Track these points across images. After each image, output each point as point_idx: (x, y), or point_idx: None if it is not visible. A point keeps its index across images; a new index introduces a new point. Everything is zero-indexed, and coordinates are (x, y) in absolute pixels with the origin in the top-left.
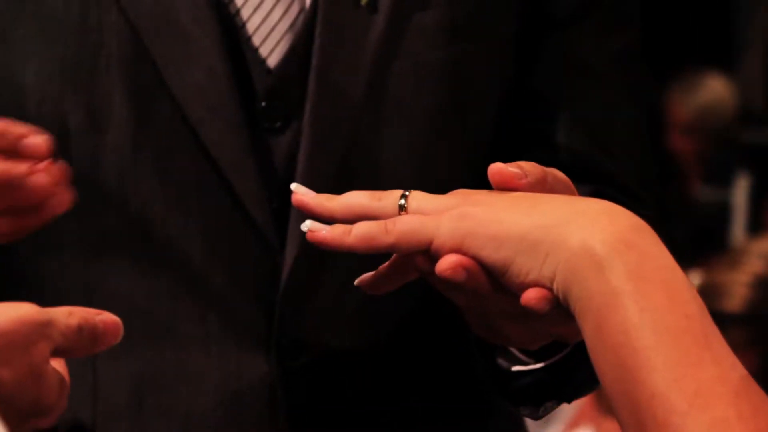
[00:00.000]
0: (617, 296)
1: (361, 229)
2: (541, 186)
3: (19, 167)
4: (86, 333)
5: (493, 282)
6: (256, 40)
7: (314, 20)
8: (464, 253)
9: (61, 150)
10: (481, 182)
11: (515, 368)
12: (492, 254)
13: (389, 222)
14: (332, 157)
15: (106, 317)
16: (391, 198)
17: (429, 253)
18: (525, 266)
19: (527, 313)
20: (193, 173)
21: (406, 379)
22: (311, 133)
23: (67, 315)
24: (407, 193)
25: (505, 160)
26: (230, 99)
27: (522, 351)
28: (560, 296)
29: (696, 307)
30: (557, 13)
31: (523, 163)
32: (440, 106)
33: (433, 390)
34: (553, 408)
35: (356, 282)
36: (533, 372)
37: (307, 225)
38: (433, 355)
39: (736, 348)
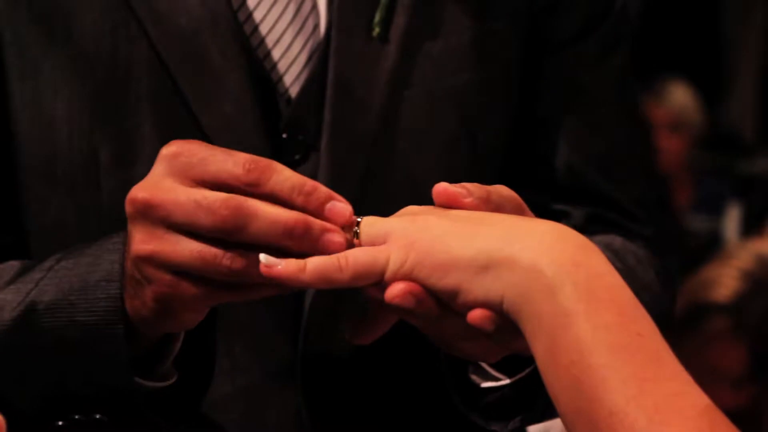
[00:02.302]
0: (569, 316)
1: (316, 265)
2: (485, 205)
3: (321, 223)
4: None
5: (442, 306)
6: (277, 73)
7: (328, 53)
8: (414, 281)
9: (91, 183)
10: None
11: (485, 385)
12: (439, 282)
13: (341, 257)
14: (349, 186)
15: None
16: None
17: (381, 284)
18: (473, 290)
19: (478, 332)
20: None
21: (419, 402)
22: (328, 163)
23: None
24: (359, 219)
25: (512, 183)
26: (257, 131)
27: (493, 366)
28: (511, 317)
29: (647, 325)
30: (556, 37)
31: (467, 184)
32: (451, 132)
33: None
34: (520, 425)
35: (347, 338)
36: (501, 388)
37: (262, 260)
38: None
39: (722, 335)
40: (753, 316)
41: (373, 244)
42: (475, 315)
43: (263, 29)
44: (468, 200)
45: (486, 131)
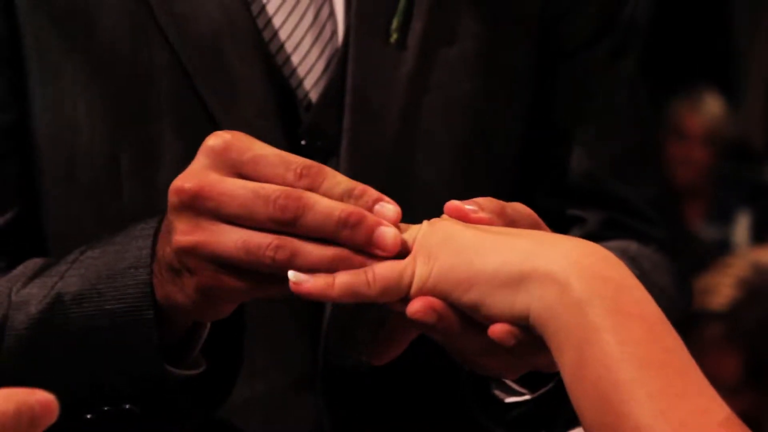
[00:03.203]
0: (597, 331)
1: (344, 281)
2: (499, 219)
3: (374, 218)
4: (24, 417)
5: (464, 321)
6: (296, 79)
7: (347, 58)
8: (438, 296)
9: (111, 187)
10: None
11: (509, 400)
12: (463, 296)
13: (369, 272)
14: None
15: (41, 397)
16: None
17: (406, 299)
18: (496, 304)
19: (499, 347)
20: None
21: (438, 410)
22: (348, 169)
23: (4, 400)
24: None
25: (527, 187)
26: (277, 138)
27: (516, 381)
28: (537, 331)
29: (674, 340)
30: (567, 43)
31: (480, 199)
32: (467, 136)
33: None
34: None
35: (365, 359)
36: (525, 403)
37: (291, 276)
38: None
39: (718, 342)
40: (748, 324)
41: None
42: (496, 330)
43: (282, 36)
44: (478, 216)
45: (500, 137)
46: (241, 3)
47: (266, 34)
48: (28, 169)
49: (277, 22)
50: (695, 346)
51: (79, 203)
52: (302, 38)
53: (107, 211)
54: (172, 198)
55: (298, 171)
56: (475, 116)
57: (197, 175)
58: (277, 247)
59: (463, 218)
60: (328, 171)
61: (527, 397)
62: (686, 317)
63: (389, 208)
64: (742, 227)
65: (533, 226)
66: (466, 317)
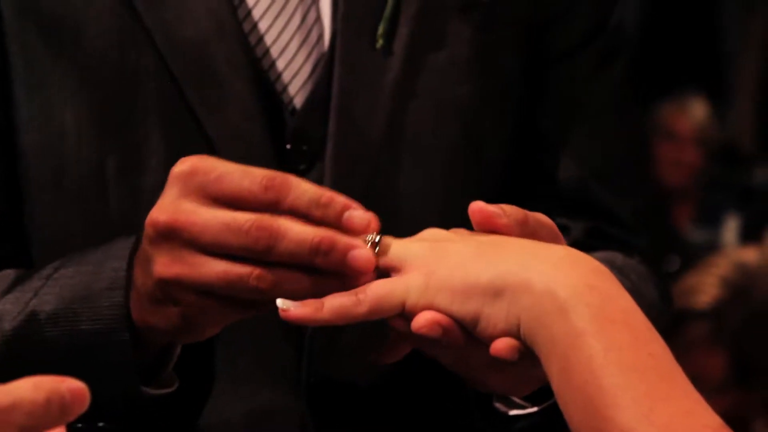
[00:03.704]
0: (582, 337)
1: (334, 302)
2: (521, 228)
3: (346, 241)
4: (54, 406)
5: (467, 335)
6: (281, 84)
7: (333, 63)
8: (436, 310)
9: (98, 193)
10: None
11: (513, 412)
12: (461, 308)
13: (360, 291)
14: (353, 197)
15: (72, 385)
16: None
17: (404, 315)
18: (493, 316)
19: (503, 362)
20: None
21: (427, 417)
22: (333, 174)
23: (33, 389)
24: (377, 238)
25: (516, 193)
26: (262, 141)
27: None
28: (527, 341)
29: (659, 346)
30: (555, 49)
31: (504, 206)
32: (456, 142)
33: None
34: None
35: (371, 360)
36: (529, 416)
37: (279, 304)
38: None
39: (702, 341)
40: (733, 323)
41: (390, 266)
42: (500, 345)
43: (268, 40)
44: (503, 221)
45: (488, 142)
46: (228, 7)
47: (252, 39)
48: (13, 175)
49: (263, 26)
50: (680, 346)
51: (65, 209)
52: (288, 42)
53: (94, 217)
54: (148, 230)
55: (264, 183)
56: (463, 122)
57: (170, 206)
58: (259, 277)
59: (487, 221)
60: (293, 181)
61: (532, 409)
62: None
63: (357, 215)
64: (730, 230)
65: (552, 238)
66: (468, 332)
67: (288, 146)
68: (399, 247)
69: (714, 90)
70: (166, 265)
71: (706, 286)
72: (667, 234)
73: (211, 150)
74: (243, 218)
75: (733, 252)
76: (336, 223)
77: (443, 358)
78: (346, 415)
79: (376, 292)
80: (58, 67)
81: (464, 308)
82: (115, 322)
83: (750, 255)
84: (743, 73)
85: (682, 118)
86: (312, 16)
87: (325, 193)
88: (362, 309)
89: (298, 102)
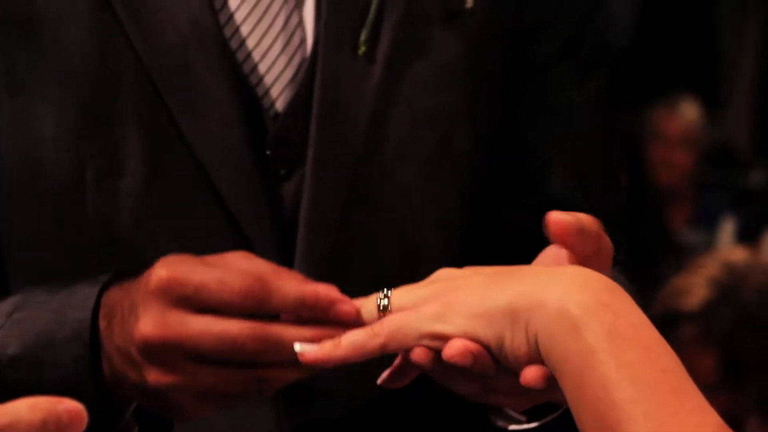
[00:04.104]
0: (594, 354)
1: (350, 339)
2: (593, 243)
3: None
4: (51, 426)
5: (495, 362)
6: (262, 89)
7: (315, 69)
8: (451, 336)
9: (76, 197)
10: (475, 221)
11: (512, 427)
12: (483, 332)
13: (375, 325)
14: (334, 203)
15: (69, 405)
16: (369, 304)
17: (426, 346)
18: (516, 339)
19: (528, 389)
20: (205, 220)
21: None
22: (313, 180)
23: (29, 410)
24: (388, 293)
25: (495, 200)
26: (242, 147)
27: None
28: (543, 358)
29: (671, 361)
30: (536, 59)
31: (582, 216)
32: (435, 150)
33: None
34: None
35: (379, 382)
36: (528, 431)
37: (297, 348)
38: (432, 408)
39: (692, 342)
40: (722, 323)
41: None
42: (529, 376)
43: (249, 44)
44: (578, 233)
45: (467, 150)
46: (209, 11)
47: (234, 43)
48: None
49: (245, 30)
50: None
51: (42, 212)
52: (270, 47)
53: (71, 221)
54: (141, 346)
55: (242, 294)
56: (444, 130)
57: (158, 320)
58: (260, 378)
59: (564, 231)
60: (272, 286)
61: (532, 425)
62: (661, 318)
63: (345, 310)
64: (726, 232)
65: (607, 254)
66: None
67: (268, 152)
68: (412, 290)
69: (709, 92)
70: (161, 375)
71: (694, 287)
72: (662, 236)
73: (190, 154)
74: (236, 329)
75: (721, 252)
76: (326, 319)
77: (462, 387)
78: None
79: (391, 323)
80: (38, 71)
81: (486, 332)
82: (78, 375)
83: (738, 255)
84: (739, 75)
85: (671, 119)
86: (294, 20)
87: (308, 291)
88: (378, 341)
89: (279, 107)
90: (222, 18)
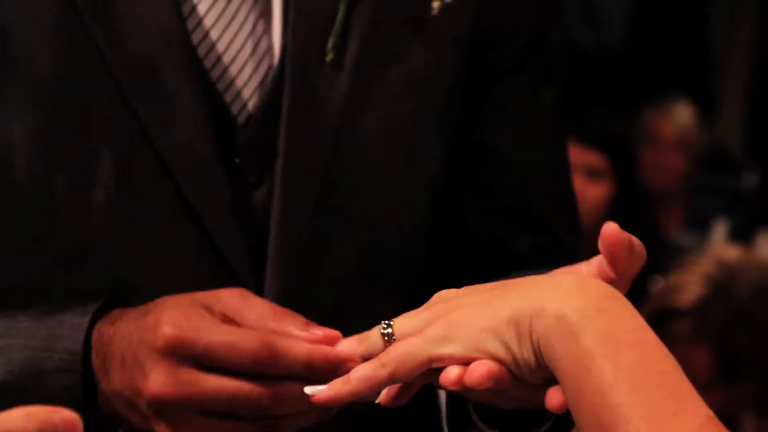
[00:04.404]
0: (592, 358)
1: (358, 373)
2: (635, 265)
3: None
4: None
5: (512, 376)
6: (230, 95)
7: (283, 77)
8: (461, 355)
9: (47, 207)
10: (440, 224)
11: None
12: (493, 346)
13: (382, 356)
14: (305, 209)
15: (64, 415)
16: (373, 336)
17: (437, 369)
18: (524, 348)
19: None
20: (175, 229)
21: None
22: (283, 186)
23: (24, 419)
24: (390, 322)
25: (456, 205)
26: (211, 155)
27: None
28: (546, 364)
29: (669, 364)
30: (497, 66)
31: (634, 239)
32: (402, 157)
33: None
34: None
35: (379, 401)
36: None
37: (308, 391)
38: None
39: (686, 339)
40: (716, 320)
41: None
42: (555, 403)
43: (217, 50)
44: (628, 252)
45: (433, 156)
46: (177, 17)
47: (201, 50)
48: None
49: (213, 35)
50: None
51: (12, 222)
52: (238, 52)
53: (41, 231)
54: (151, 403)
55: (251, 358)
56: (410, 137)
57: (169, 378)
58: (272, 427)
59: (617, 246)
60: (280, 350)
61: None
62: (656, 315)
63: (354, 365)
64: (719, 235)
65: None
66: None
67: (237, 160)
68: (412, 318)
69: (702, 95)
70: (171, 428)
71: (689, 285)
72: (654, 240)
73: (160, 163)
74: (248, 387)
75: (716, 250)
76: (337, 374)
77: (488, 398)
78: None
79: (396, 351)
80: (7, 80)
81: (494, 346)
82: (70, 406)
83: (731, 253)
84: (731, 78)
85: (665, 122)
86: (260, 26)
87: (315, 354)
88: (386, 371)
89: (247, 114)
90: (190, 24)
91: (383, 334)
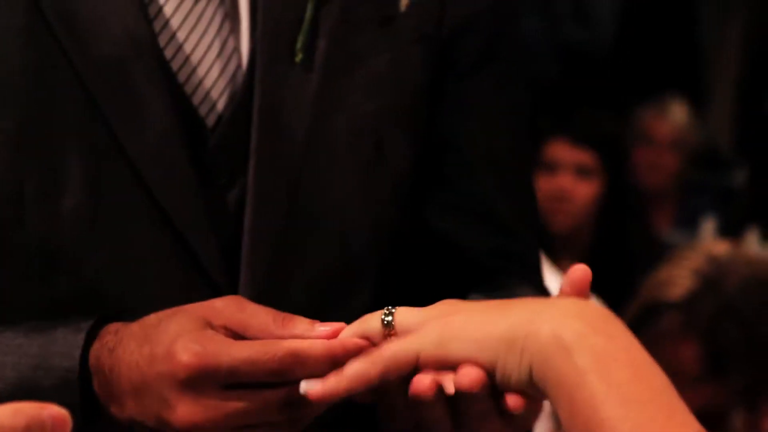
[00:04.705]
0: (585, 375)
1: (351, 370)
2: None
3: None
4: None
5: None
6: (198, 97)
7: (252, 78)
8: (452, 360)
9: (14, 217)
10: (405, 222)
11: None
12: (478, 357)
13: (375, 354)
14: (277, 210)
15: (53, 411)
16: (373, 321)
17: (417, 369)
18: (509, 366)
19: (501, 414)
20: (148, 234)
21: None
22: (256, 187)
23: (13, 415)
24: (393, 310)
25: (420, 203)
26: (182, 158)
27: None
28: (539, 386)
29: (660, 381)
30: (460, 63)
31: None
32: (369, 155)
33: None
34: None
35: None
36: None
37: (303, 388)
38: None
39: (674, 332)
40: (704, 315)
41: (406, 332)
42: (513, 402)
43: (185, 51)
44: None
45: (399, 155)
46: (144, 21)
47: (168, 51)
48: None
49: (180, 37)
50: (654, 338)
51: None
52: (205, 53)
53: (10, 240)
54: (185, 430)
55: (276, 368)
56: (377, 135)
57: (198, 410)
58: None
59: (584, 284)
60: (302, 354)
61: None
62: (645, 309)
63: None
64: (708, 232)
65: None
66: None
67: (208, 162)
68: (414, 313)
69: (692, 92)
70: None
71: (678, 279)
72: (645, 239)
73: (130, 168)
74: (276, 397)
75: (705, 245)
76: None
77: (433, 417)
78: None
79: (388, 349)
80: None
81: (481, 356)
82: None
83: (721, 248)
84: (720, 76)
85: (661, 122)
86: (227, 27)
87: (336, 349)
88: (377, 368)
89: (217, 116)
90: (156, 26)
91: (383, 321)
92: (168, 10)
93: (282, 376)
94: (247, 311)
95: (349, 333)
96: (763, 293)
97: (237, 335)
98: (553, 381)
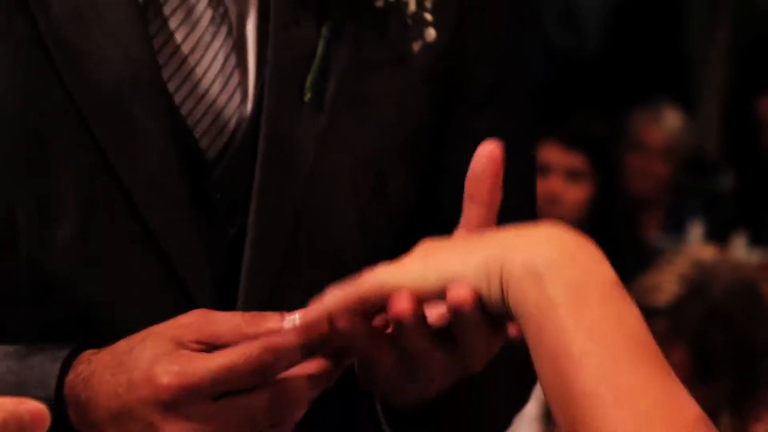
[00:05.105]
0: (554, 307)
1: (333, 294)
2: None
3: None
4: (12, 427)
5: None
6: (199, 130)
7: (258, 113)
8: (435, 291)
9: (7, 242)
10: (400, 245)
11: None
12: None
13: (357, 280)
14: (277, 248)
15: (30, 406)
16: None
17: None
18: (493, 294)
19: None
20: (141, 263)
21: None
22: (256, 228)
23: None
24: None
25: (419, 234)
26: (181, 191)
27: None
28: (512, 311)
29: (632, 317)
30: (470, 97)
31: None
32: (372, 192)
33: None
34: None
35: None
36: None
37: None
38: None
39: (662, 338)
40: (691, 319)
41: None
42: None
43: (189, 84)
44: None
45: (400, 188)
46: (147, 49)
47: (173, 83)
48: None
49: (186, 67)
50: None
51: None
52: (209, 88)
53: (3, 266)
54: None
55: (256, 369)
56: (381, 173)
57: (186, 426)
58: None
59: (495, 165)
60: (278, 348)
61: None
62: None
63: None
64: (695, 236)
65: None
66: None
67: (208, 195)
68: (392, 267)
69: (680, 97)
70: None
71: (664, 284)
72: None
73: (125, 197)
74: (262, 398)
75: (691, 250)
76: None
77: (386, 364)
78: None
79: (374, 276)
80: None
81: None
82: None
83: (707, 253)
84: (707, 81)
85: (654, 129)
86: (232, 61)
87: (309, 329)
88: (357, 293)
89: (218, 151)
90: (163, 56)
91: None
92: (176, 40)
93: (263, 374)
94: (215, 321)
95: (339, 294)
96: (749, 297)
97: (211, 346)
98: (524, 309)
